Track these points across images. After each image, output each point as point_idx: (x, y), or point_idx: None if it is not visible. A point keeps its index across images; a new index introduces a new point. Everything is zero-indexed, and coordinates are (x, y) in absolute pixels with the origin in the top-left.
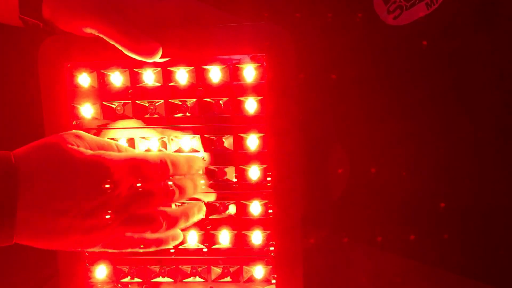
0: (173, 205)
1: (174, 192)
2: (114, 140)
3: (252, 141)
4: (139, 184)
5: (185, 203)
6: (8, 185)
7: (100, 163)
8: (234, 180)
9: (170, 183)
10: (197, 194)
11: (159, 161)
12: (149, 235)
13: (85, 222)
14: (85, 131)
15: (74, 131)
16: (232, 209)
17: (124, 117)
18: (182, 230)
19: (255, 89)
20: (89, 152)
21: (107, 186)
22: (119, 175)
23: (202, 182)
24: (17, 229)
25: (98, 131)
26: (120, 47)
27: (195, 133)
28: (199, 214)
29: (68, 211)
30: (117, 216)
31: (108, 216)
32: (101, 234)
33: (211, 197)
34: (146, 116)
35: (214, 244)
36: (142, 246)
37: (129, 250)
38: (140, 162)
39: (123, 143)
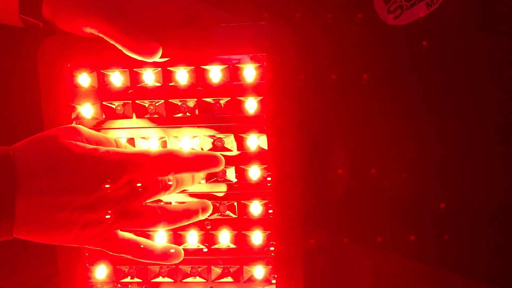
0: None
1: (170, 185)
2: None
3: (252, 141)
4: (138, 184)
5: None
6: (7, 180)
7: (99, 158)
8: (234, 180)
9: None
10: (194, 184)
11: (160, 158)
12: (149, 245)
13: (83, 217)
14: None
15: (72, 125)
16: (232, 209)
17: (124, 117)
18: (182, 229)
19: (255, 89)
20: (88, 146)
21: (105, 181)
22: (117, 170)
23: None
24: (16, 224)
25: (98, 131)
26: (120, 47)
27: (195, 133)
28: (204, 214)
29: (66, 206)
30: (115, 210)
31: (107, 214)
32: (99, 229)
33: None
34: (146, 116)
35: (214, 244)
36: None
37: (125, 255)
38: (139, 158)
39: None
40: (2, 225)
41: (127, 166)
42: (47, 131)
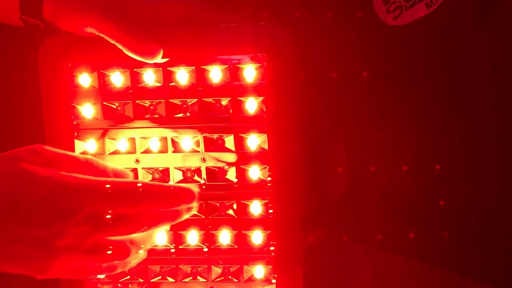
0: None
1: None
2: (113, 140)
3: (253, 141)
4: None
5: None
6: None
7: (57, 186)
8: (235, 180)
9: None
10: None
11: (124, 189)
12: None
13: (42, 251)
14: (85, 131)
15: (33, 146)
16: (232, 209)
17: (124, 117)
18: (182, 229)
19: (256, 89)
20: (47, 171)
21: (61, 214)
22: (75, 202)
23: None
24: None
25: (98, 132)
26: (120, 47)
27: (195, 133)
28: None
29: (22, 238)
30: (77, 244)
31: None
32: (62, 262)
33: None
34: (147, 116)
35: (214, 244)
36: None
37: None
38: (98, 188)
39: (123, 143)
40: None
41: (85, 197)
42: (9, 151)
